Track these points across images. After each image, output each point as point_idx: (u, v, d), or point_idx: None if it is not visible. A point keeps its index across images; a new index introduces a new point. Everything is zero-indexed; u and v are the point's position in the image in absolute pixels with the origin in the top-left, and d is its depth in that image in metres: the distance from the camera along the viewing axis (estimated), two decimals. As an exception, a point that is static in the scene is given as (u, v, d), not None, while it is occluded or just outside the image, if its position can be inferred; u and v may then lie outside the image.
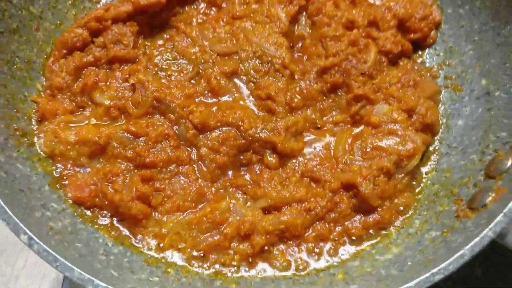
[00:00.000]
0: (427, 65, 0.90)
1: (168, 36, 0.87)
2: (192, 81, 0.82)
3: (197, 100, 0.80)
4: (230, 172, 0.78)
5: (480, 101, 0.81)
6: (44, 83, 0.83)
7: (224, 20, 0.88)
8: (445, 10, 0.90)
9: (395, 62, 0.88)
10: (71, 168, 0.77)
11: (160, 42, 0.87)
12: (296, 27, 0.88)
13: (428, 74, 0.88)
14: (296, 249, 0.73)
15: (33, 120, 0.79)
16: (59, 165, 0.77)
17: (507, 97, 0.77)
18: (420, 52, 0.92)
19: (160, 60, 0.84)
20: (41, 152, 0.77)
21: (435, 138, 0.83)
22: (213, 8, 0.91)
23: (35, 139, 0.78)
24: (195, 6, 0.91)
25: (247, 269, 0.71)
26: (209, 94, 0.81)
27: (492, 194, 0.67)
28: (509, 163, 0.68)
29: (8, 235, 1.08)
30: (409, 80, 0.82)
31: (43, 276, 1.06)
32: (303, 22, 0.88)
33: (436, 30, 0.90)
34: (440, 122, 0.84)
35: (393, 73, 0.83)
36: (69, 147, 0.76)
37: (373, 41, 0.85)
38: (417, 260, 0.66)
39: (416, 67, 0.88)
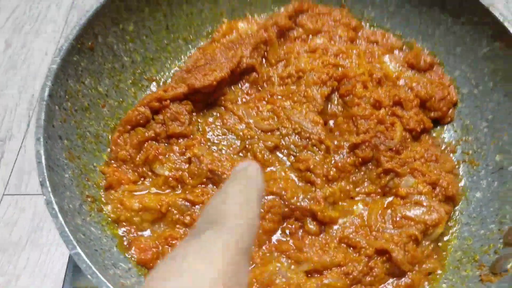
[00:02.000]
0: (446, 140, 1.00)
1: (218, 114, 0.98)
2: (240, 154, 0.93)
3: (245, 172, 0.91)
4: (274, 237, 0.87)
5: (495, 176, 0.90)
6: (110, 155, 0.93)
7: (266, 99, 1.00)
8: (461, 90, 1.01)
9: (418, 137, 0.98)
10: (135, 232, 0.86)
11: (211, 119, 0.97)
12: (329, 105, 1.00)
13: (447, 150, 0.98)
14: (336, 308, 0.80)
15: (101, 188, 0.90)
16: (124, 229, 0.86)
17: (519, 172, 0.86)
18: (439, 128, 1.01)
19: (211, 136, 0.95)
20: (109, 218, 0.87)
21: (456, 208, 0.91)
22: (256, 87, 1.03)
23: (103, 206, 0.87)
24: (240, 86, 1.03)
25: (294, 325, 0.79)
26: (255, 167, 0.91)
27: (512, 261, 0.75)
28: (524, 234, 0.77)
29: (10, 234, 1.10)
30: (431, 155, 0.93)
31: (44, 275, 1.08)
32: (335, 101, 1.00)
33: (453, 108, 1.01)
34: (460, 194, 0.92)
35: (417, 149, 0.93)
36: (133, 213, 0.86)
37: (398, 119, 0.95)
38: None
39: (436, 143, 0.99)
